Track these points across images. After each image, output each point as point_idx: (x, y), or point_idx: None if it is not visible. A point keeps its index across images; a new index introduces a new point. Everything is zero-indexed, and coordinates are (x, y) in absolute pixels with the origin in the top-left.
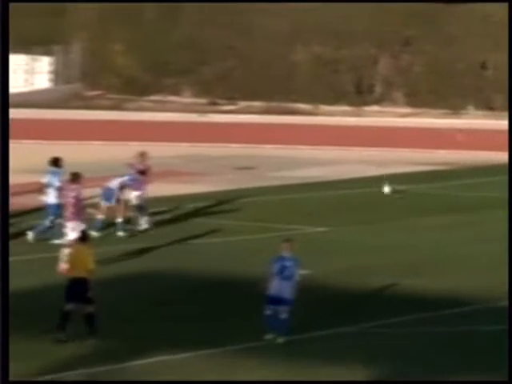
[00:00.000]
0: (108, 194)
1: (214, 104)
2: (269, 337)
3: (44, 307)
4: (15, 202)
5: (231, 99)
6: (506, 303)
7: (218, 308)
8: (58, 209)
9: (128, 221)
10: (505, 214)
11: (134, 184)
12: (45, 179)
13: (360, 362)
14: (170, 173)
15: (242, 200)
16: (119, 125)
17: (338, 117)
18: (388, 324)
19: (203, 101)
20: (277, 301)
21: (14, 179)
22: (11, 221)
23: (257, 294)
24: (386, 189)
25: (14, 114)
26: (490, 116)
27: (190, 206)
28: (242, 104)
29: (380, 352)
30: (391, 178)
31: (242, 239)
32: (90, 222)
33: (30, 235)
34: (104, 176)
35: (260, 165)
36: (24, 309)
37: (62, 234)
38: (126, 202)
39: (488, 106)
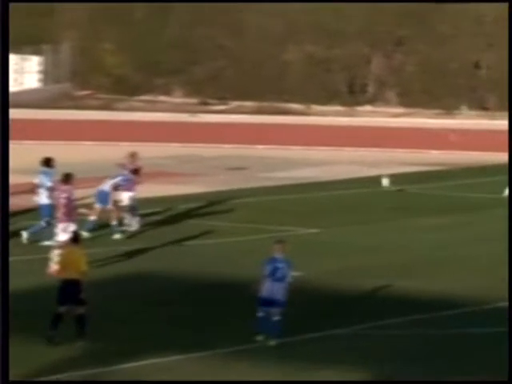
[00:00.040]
0: (103, 197)
1: (205, 104)
2: (260, 338)
3: (37, 309)
4: None
5: (222, 99)
6: (499, 305)
7: (211, 310)
8: (51, 209)
9: (120, 222)
10: (499, 214)
11: (126, 184)
12: (36, 179)
13: (353, 364)
14: (161, 173)
15: (234, 201)
16: (109, 125)
17: (331, 117)
18: (381, 326)
19: (194, 101)
20: (269, 303)
21: None
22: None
23: (249, 295)
24: (385, 181)
25: None
26: (483, 116)
27: (182, 207)
28: (234, 104)
29: (373, 354)
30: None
31: (235, 240)
32: (81, 222)
33: (25, 235)
34: (95, 177)
35: (252, 165)
36: (20, 309)
37: (52, 235)
38: (117, 203)
39: (481, 106)
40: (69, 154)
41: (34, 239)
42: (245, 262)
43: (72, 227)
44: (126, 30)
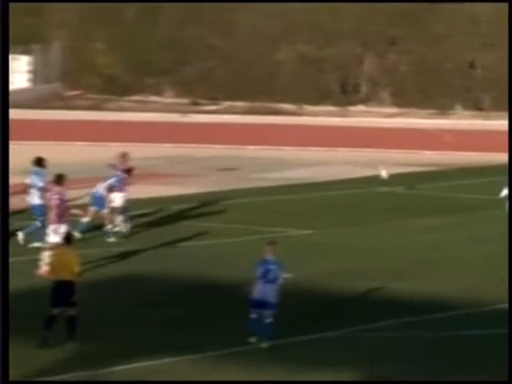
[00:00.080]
0: (99, 201)
1: (196, 104)
2: (253, 340)
3: (36, 311)
4: None
5: (213, 99)
6: (494, 307)
7: (204, 311)
8: (43, 209)
9: (113, 224)
10: (494, 215)
11: (119, 185)
12: (28, 180)
13: (345, 366)
14: (153, 174)
15: (227, 202)
16: (100, 125)
17: (323, 117)
18: (373, 328)
19: (185, 101)
20: (261, 304)
21: None
22: None
23: (242, 297)
24: (384, 173)
25: None
26: (478, 116)
27: (175, 208)
28: (225, 104)
29: (365, 356)
30: (377, 180)
31: (228, 242)
32: (73, 223)
33: (20, 236)
34: (86, 177)
35: (243, 166)
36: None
37: (42, 237)
38: (109, 204)
39: (476, 106)
40: (59, 154)
41: (30, 240)
42: (238, 264)
43: (63, 229)
44: (117, 29)
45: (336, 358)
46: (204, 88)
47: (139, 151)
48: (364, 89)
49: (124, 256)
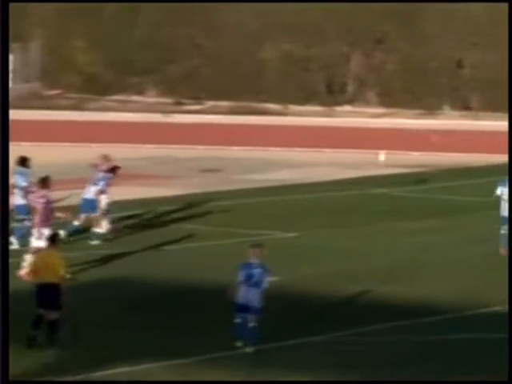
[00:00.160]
0: (92, 206)
1: (180, 104)
2: (239, 344)
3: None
4: None
5: (197, 99)
6: (483, 311)
7: (187, 315)
8: (26, 209)
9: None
10: (483, 217)
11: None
12: (12, 179)
13: (330, 371)
14: (135, 175)
15: (211, 204)
16: (80, 125)
17: (309, 117)
18: (361, 332)
19: (168, 100)
20: (245, 309)
21: None
22: None
23: (227, 301)
24: (382, 156)
25: None
26: (466, 116)
27: (158, 211)
28: (209, 104)
29: (351, 361)
30: (365, 181)
31: (212, 244)
32: (63, 224)
33: (14, 242)
34: (68, 179)
35: (227, 167)
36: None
37: (23, 239)
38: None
39: (464, 106)
40: (38, 155)
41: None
42: (223, 267)
43: (47, 232)
44: (98, 26)
45: (322, 363)
46: (187, 88)
47: (121, 152)
48: (350, 88)
49: (108, 259)
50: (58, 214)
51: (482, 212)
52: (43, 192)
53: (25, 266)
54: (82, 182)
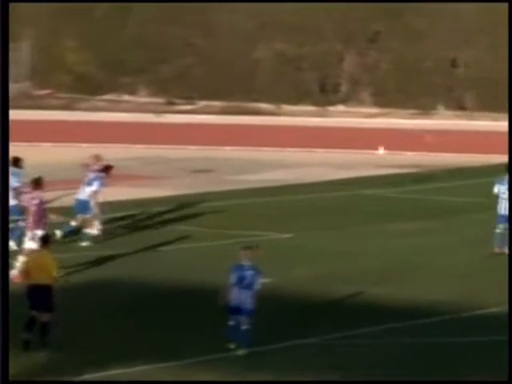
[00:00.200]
0: (85, 207)
1: (171, 104)
2: (232, 346)
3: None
4: None
5: (189, 99)
6: (476, 313)
7: (179, 317)
8: (19, 209)
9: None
10: (477, 218)
11: (100, 188)
12: None
13: (323, 373)
14: (126, 176)
15: (203, 204)
16: (71, 125)
17: (302, 117)
18: (353, 335)
19: (160, 100)
20: (237, 311)
21: None
22: None
23: (219, 303)
24: (381, 151)
25: None
26: (461, 116)
27: (150, 212)
28: (201, 104)
29: (344, 364)
30: (358, 181)
31: (205, 245)
32: (57, 225)
33: (12, 245)
34: (59, 179)
35: (219, 167)
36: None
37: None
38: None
39: (459, 106)
40: (28, 155)
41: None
42: (216, 268)
43: (40, 233)
44: (88, 26)
45: (315, 365)
46: (179, 87)
47: (111, 152)
48: (344, 88)
49: (101, 260)
50: (52, 217)
51: (476, 213)
52: (36, 193)
53: (17, 268)
54: (74, 183)
